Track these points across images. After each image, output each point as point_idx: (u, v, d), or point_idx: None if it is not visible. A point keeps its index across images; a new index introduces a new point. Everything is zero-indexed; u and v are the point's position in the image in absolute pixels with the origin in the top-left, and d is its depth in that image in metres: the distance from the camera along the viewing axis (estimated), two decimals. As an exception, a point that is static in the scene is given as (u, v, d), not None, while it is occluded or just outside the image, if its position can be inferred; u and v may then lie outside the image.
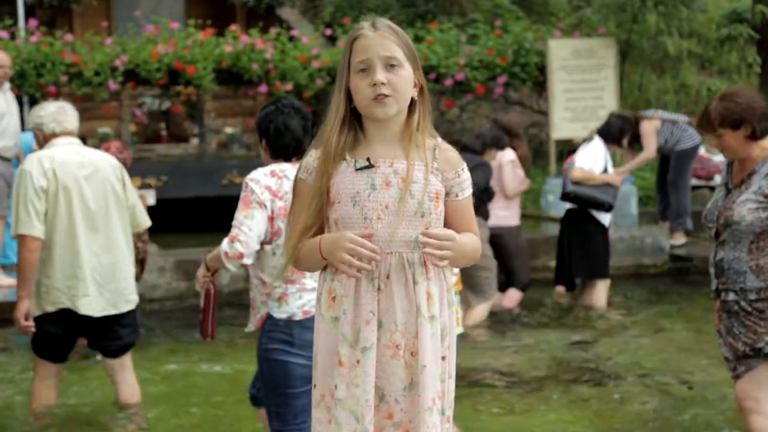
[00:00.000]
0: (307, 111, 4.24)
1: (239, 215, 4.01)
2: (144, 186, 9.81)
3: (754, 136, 4.34)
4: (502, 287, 8.39)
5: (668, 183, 9.84)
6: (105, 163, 5.46)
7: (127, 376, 5.61)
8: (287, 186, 4.02)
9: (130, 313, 5.50)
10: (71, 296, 5.29)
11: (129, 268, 5.49)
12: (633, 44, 12.09)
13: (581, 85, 11.63)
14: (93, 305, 5.31)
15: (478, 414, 5.66)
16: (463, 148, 7.92)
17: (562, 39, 12.02)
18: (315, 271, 2.93)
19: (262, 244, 4.07)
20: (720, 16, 12.80)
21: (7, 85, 8.71)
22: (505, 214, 8.43)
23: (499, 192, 8.35)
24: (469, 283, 7.79)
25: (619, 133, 8.44)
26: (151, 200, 9.75)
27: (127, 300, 5.45)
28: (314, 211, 2.85)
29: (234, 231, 3.99)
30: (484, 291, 7.87)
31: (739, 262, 4.30)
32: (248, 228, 3.97)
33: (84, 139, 8.84)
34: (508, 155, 8.40)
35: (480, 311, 7.93)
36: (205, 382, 6.47)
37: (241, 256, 3.96)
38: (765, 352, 4.27)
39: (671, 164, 9.77)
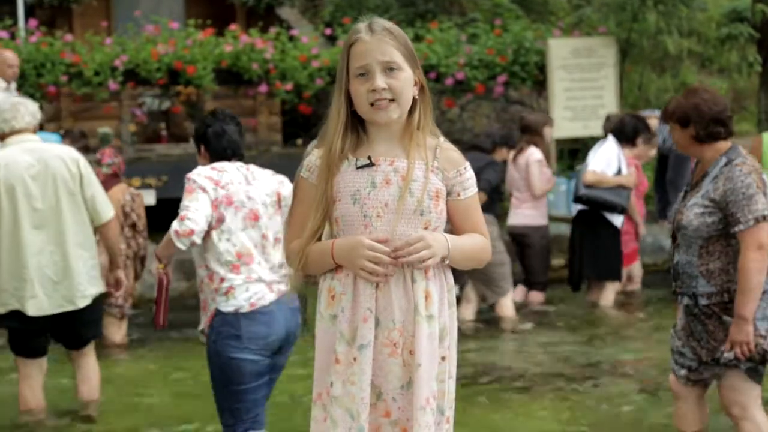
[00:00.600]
0: (239, 119, 4.57)
1: (184, 202, 4.26)
2: (144, 186, 9.81)
3: (699, 139, 4.32)
4: (516, 284, 8.42)
5: (667, 182, 9.83)
6: (56, 159, 5.36)
7: (88, 359, 5.66)
8: (227, 178, 4.31)
9: (88, 309, 5.46)
10: (19, 297, 5.28)
11: (85, 264, 5.42)
12: (633, 43, 12.06)
13: (581, 84, 11.62)
14: (43, 306, 5.30)
15: (477, 412, 5.67)
16: (474, 147, 7.95)
17: (561, 38, 12.01)
18: (320, 272, 2.92)
19: (208, 230, 4.24)
20: (720, 15, 12.77)
21: (13, 85, 8.73)
22: (532, 213, 8.45)
23: (527, 191, 8.36)
24: (483, 279, 7.80)
25: (633, 132, 8.39)
26: (151, 200, 9.77)
27: (84, 296, 5.41)
28: (321, 215, 2.85)
29: (182, 212, 4.22)
30: (500, 286, 7.89)
31: (691, 267, 4.30)
32: (195, 208, 4.22)
33: (84, 137, 8.88)
34: (535, 155, 8.41)
35: (508, 307, 7.93)
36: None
37: (191, 232, 4.17)
38: (723, 362, 4.28)
39: (670, 163, 9.75)
